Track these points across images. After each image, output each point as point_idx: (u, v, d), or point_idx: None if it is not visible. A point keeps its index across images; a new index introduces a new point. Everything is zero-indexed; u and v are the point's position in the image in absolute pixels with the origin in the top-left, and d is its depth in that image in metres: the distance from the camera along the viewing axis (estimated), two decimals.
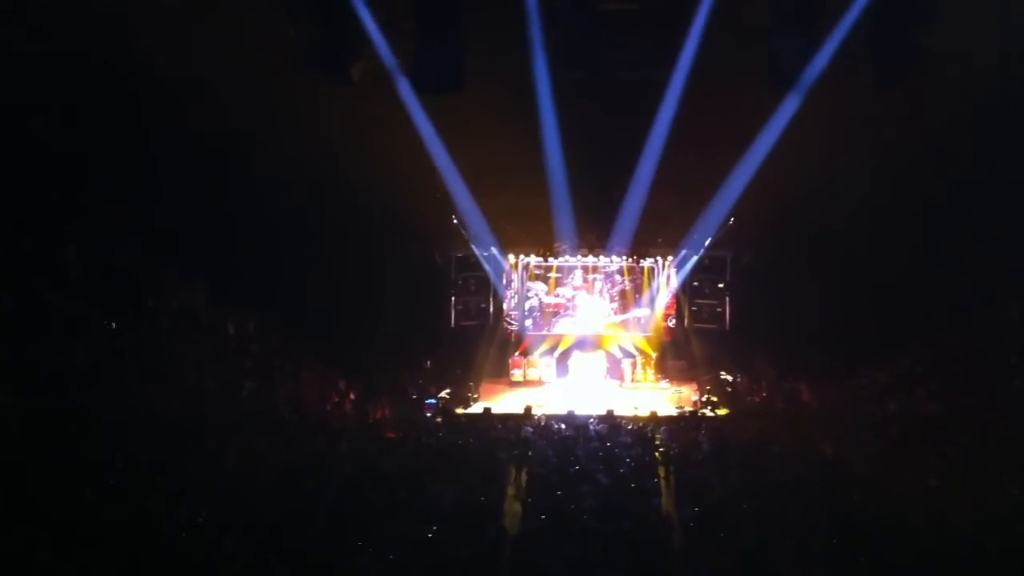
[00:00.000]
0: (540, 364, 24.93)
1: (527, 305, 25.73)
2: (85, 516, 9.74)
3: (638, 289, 25.76)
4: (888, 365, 18.66)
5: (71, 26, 12.72)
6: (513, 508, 13.94)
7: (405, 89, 16.01)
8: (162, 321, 14.62)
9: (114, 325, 12.89)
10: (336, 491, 13.36)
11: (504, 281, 25.59)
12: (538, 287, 25.81)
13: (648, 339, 25.49)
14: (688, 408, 21.36)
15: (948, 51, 13.81)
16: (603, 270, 25.74)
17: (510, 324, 25.68)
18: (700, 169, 19.50)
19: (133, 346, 13.21)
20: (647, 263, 25.56)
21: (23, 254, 12.01)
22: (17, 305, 11.29)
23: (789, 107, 16.35)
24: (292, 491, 12.90)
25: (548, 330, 25.70)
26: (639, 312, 25.69)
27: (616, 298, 25.84)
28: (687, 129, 17.44)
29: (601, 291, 25.81)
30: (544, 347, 25.38)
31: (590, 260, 25.52)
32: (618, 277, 25.76)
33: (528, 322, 25.73)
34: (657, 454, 16.62)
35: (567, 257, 25.46)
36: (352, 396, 19.68)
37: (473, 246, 24.60)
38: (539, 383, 24.47)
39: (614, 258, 25.40)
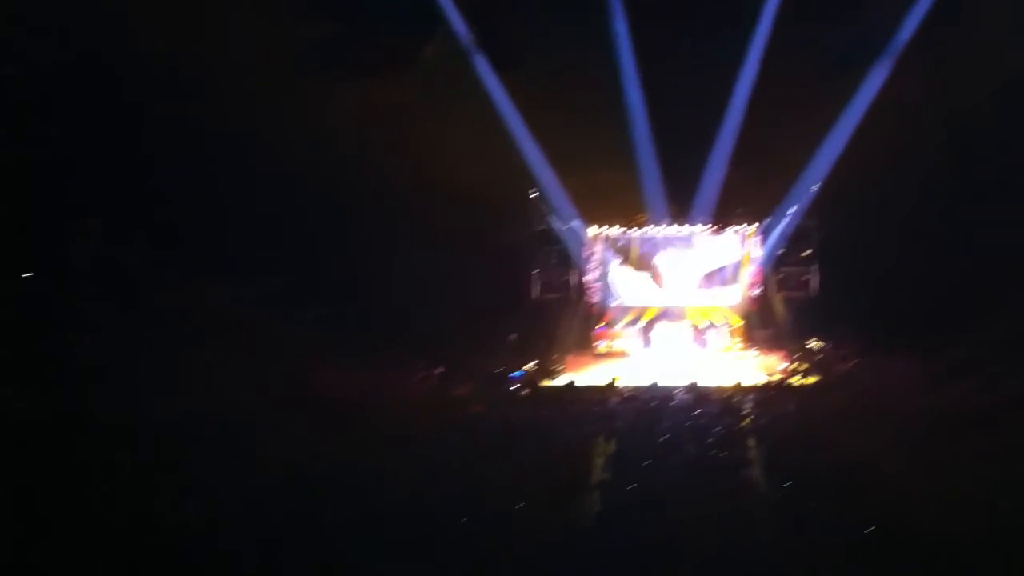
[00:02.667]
0: (624, 335, 24.85)
1: (611, 277, 25.59)
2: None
3: (722, 259, 25.43)
4: (978, 336, 18.13)
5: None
6: (599, 479, 13.95)
7: (482, 67, 16.05)
8: (241, 308, 14.91)
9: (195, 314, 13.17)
10: (422, 467, 13.51)
11: (585, 254, 25.50)
12: (627, 260, 25.63)
13: (733, 309, 25.19)
14: (776, 377, 21.09)
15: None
16: (686, 240, 25.45)
17: (593, 296, 25.59)
18: (785, 136, 19.14)
19: (213, 335, 13.50)
20: (731, 232, 25.21)
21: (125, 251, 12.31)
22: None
23: (879, 73, 15.96)
24: (373, 470, 13.07)
25: (632, 302, 25.57)
26: (724, 282, 25.37)
27: (700, 268, 25.54)
28: (771, 95, 17.16)
29: (684, 262, 25.53)
30: (628, 319, 25.25)
31: (672, 231, 25.27)
32: (701, 247, 25.45)
33: (616, 294, 25.60)
34: (744, 424, 16.48)
35: (648, 228, 25.26)
36: (436, 372, 19.87)
37: (554, 219, 24.57)
38: (623, 355, 24.40)
39: (697, 228, 25.10)
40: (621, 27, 15.52)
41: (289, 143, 16.05)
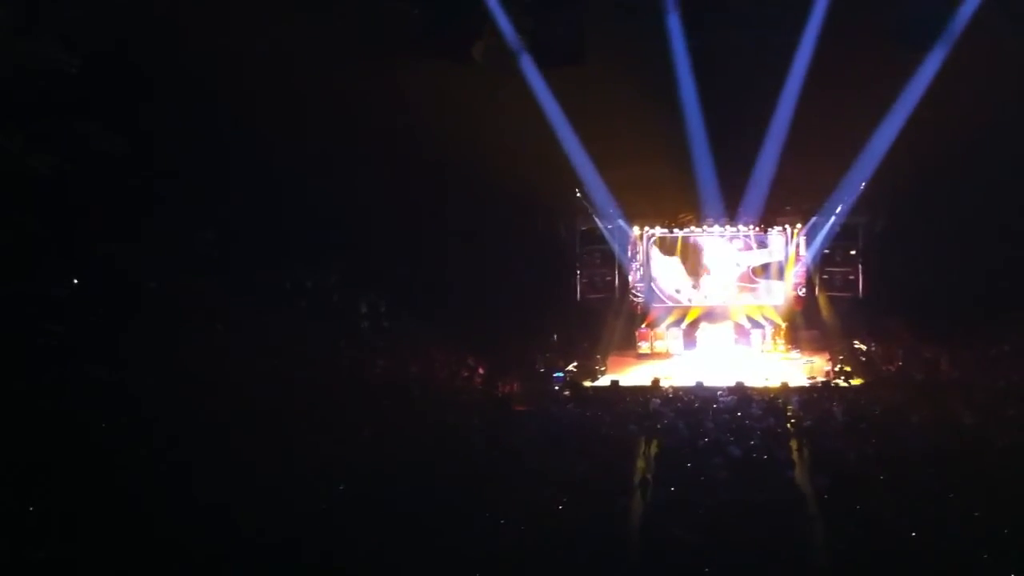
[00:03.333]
0: (667, 336, 24.78)
1: (655, 277, 25.52)
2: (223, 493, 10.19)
3: (767, 258, 25.28)
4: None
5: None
6: (643, 480, 13.94)
7: (527, 65, 16.10)
8: (296, 301, 15.12)
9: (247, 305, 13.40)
10: (467, 465, 13.60)
11: (629, 253, 25.46)
12: (672, 260, 25.57)
13: (778, 309, 25.04)
14: (821, 378, 20.90)
15: None
16: (731, 239, 25.32)
17: (636, 296, 25.56)
18: (831, 135, 18.97)
19: (266, 327, 13.71)
20: (776, 231, 25.06)
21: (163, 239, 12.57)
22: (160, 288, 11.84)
23: (925, 68, 15.78)
24: (425, 467, 13.19)
25: (676, 302, 25.50)
26: (769, 282, 25.23)
27: (745, 268, 25.41)
28: (818, 93, 17.03)
29: (729, 261, 25.41)
30: (671, 319, 25.20)
31: (717, 230, 25.15)
32: (747, 247, 25.32)
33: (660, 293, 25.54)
34: (789, 425, 16.37)
35: (693, 228, 25.18)
36: (481, 371, 19.99)
37: (597, 219, 24.57)
38: (666, 355, 24.35)
39: (742, 227, 24.97)
40: (673, 20, 15.40)
41: (335, 140, 16.22)
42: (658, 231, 25.38)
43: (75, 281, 11.27)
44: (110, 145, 11.90)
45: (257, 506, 10.31)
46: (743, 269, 25.34)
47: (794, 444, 15.41)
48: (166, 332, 11.55)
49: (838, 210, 23.64)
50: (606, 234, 25.03)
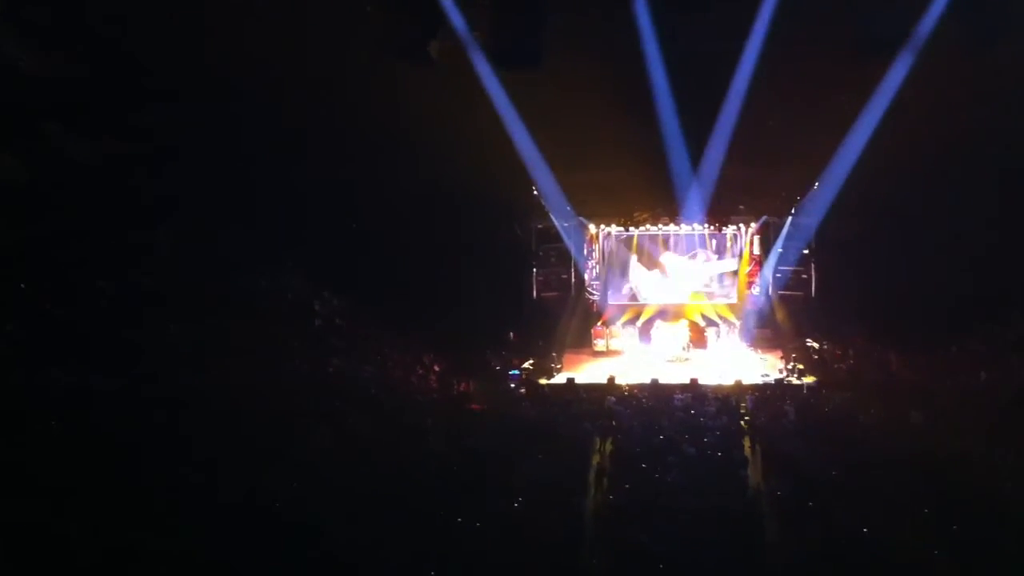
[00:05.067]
0: (622, 334, 24.87)
1: (609, 275, 25.63)
2: (180, 494, 10.09)
3: (721, 256, 25.48)
4: (982, 333, 18.21)
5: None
6: (598, 479, 14.00)
7: (483, 65, 16.06)
8: (251, 302, 14.99)
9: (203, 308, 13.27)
10: (423, 465, 13.57)
11: (586, 251, 25.52)
12: (628, 258, 25.70)
13: (731, 307, 25.24)
14: (774, 376, 21.13)
15: None
16: (685, 238, 25.48)
17: (592, 294, 25.63)
18: (783, 136, 19.13)
19: (223, 328, 13.58)
20: (730, 230, 25.26)
21: (119, 242, 12.41)
22: (116, 291, 11.69)
23: (884, 76, 16.00)
24: (380, 467, 13.14)
25: (631, 299, 25.63)
26: (722, 280, 25.44)
27: (698, 266, 25.58)
28: (774, 97, 17.17)
29: (683, 259, 25.57)
30: (626, 317, 25.31)
31: (671, 229, 25.30)
32: (701, 245, 25.49)
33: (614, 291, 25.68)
34: (743, 423, 16.55)
35: (649, 226, 25.30)
36: (436, 369, 19.94)
37: (553, 217, 24.56)
38: (622, 353, 24.43)
39: (696, 226, 25.14)
40: (634, 23, 15.45)
41: (290, 139, 16.11)
42: (614, 229, 25.47)
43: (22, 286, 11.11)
44: (75, 149, 11.79)
45: (212, 507, 10.23)
46: (697, 267, 25.50)
47: (747, 442, 15.60)
48: (118, 334, 11.39)
49: (792, 210, 23.85)
50: (562, 232, 25.03)
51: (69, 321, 11.19)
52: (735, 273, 25.29)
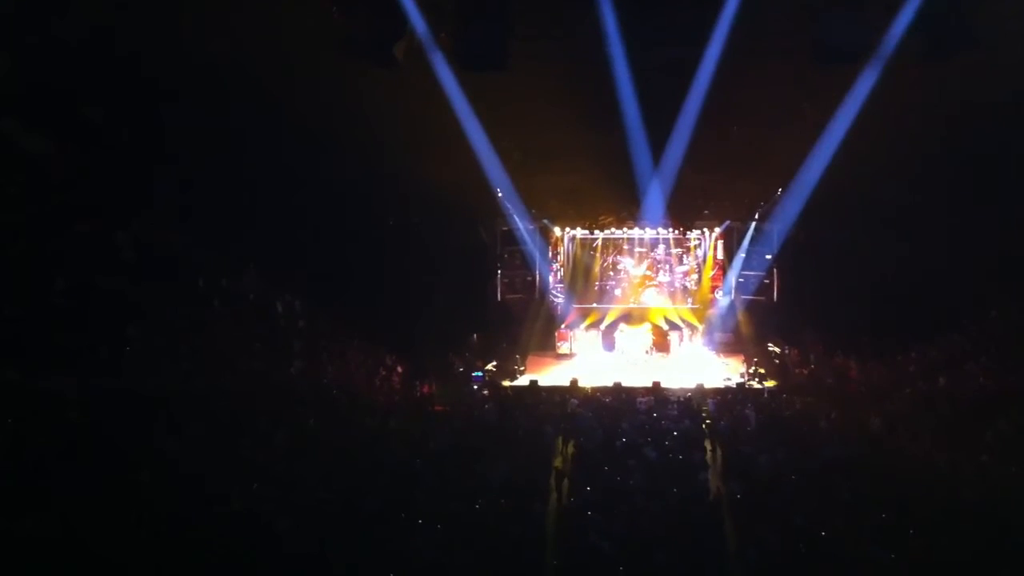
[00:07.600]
0: (586, 337, 24.94)
1: (574, 279, 25.69)
2: (139, 497, 10.02)
3: (685, 260, 25.65)
4: (939, 341, 18.48)
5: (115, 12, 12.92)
6: (559, 482, 14.03)
7: (447, 68, 16.05)
8: (211, 303, 14.89)
9: (165, 308, 13.17)
10: (385, 467, 13.54)
11: (550, 255, 25.56)
12: (626, 261, 25.82)
13: (694, 311, 25.38)
14: (736, 380, 21.28)
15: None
16: (650, 242, 25.60)
17: (556, 297, 25.67)
18: (747, 142, 19.28)
19: (184, 328, 13.48)
20: (693, 235, 25.42)
21: (78, 240, 12.28)
22: (73, 289, 11.56)
23: (842, 83, 16.18)
24: (342, 469, 13.09)
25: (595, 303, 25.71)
26: (685, 284, 25.60)
27: (663, 270, 25.73)
28: (733, 103, 17.31)
29: (647, 263, 25.70)
30: (590, 320, 25.36)
31: (635, 232, 25.41)
32: (665, 249, 25.63)
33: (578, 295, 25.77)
34: (704, 427, 16.64)
35: (614, 229, 25.39)
36: (400, 371, 19.89)
37: (517, 220, 24.56)
38: (584, 355, 24.48)
39: (660, 230, 25.27)
40: (591, 27, 15.48)
41: (253, 147, 16.03)
42: (579, 232, 25.55)
43: None
44: (31, 144, 11.67)
45: (171, 507, 10.17)
46: (661, 271, 25.64)
47: (708, 445, 15.71)
48: (74, 334, 11.27)
49: (755, 215, 24.04)
50: (526, 236, 25.06)
51: (22, 320, 11.05)
52: (699, 277, 25.45)
